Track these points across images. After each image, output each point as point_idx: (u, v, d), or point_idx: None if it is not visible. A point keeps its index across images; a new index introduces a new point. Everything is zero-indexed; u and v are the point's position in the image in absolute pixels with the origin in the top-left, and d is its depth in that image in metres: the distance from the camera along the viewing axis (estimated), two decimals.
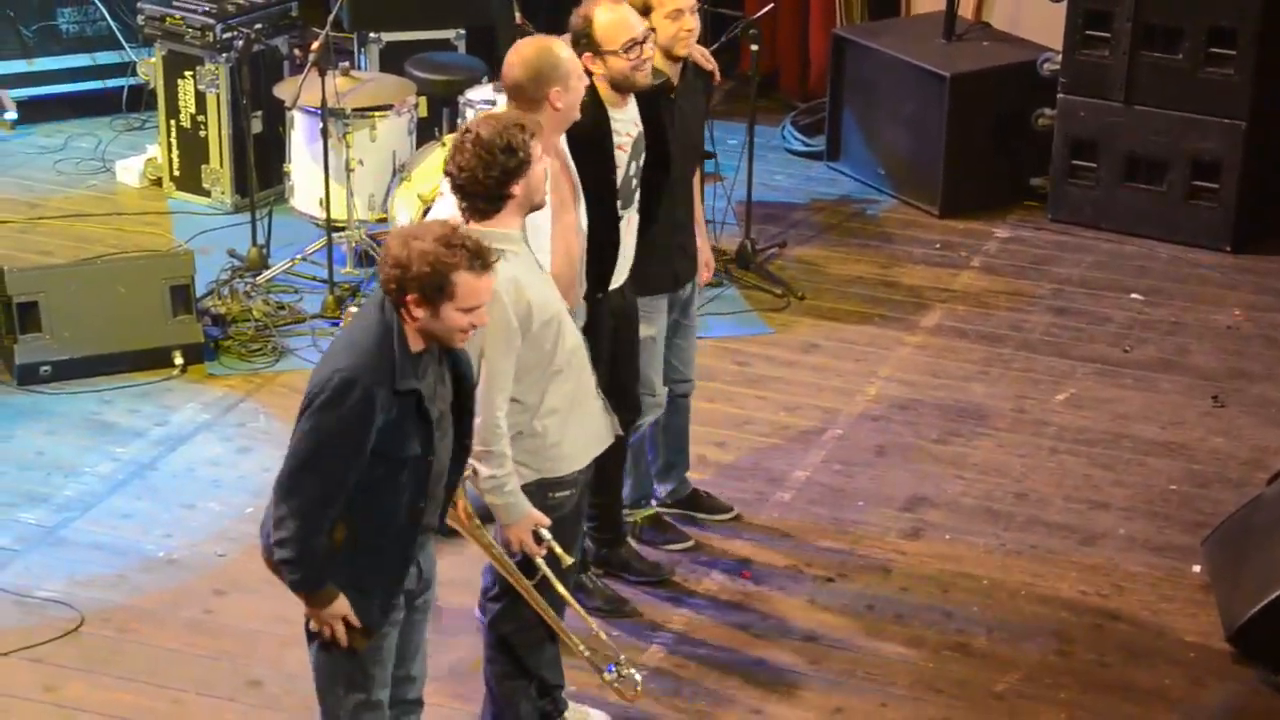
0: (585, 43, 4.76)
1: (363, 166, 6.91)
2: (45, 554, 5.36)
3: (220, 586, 5.22)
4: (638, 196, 4.91)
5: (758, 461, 5.95)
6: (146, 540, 5.45)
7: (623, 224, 4.85)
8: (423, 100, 7.33)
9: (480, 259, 3.66)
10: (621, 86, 4.79)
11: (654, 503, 5.49)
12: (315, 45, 6.58)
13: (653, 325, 5.10)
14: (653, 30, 4.88)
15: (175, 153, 7.72)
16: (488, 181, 4.03)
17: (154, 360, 6.38)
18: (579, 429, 4.33)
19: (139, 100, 8.29)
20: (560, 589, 4.31)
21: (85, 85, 8.43)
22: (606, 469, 5.11)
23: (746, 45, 7.15)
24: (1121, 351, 6.75)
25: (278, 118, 7.28)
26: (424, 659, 4.13)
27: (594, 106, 4.63)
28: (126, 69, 8.31)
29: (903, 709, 4.81)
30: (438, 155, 6.76)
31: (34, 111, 8.30)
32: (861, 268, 7.40)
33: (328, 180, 6.74)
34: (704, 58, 5.28)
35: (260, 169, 7.22)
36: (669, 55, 5.02)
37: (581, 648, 4.45)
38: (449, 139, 6.82)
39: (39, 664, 4.87)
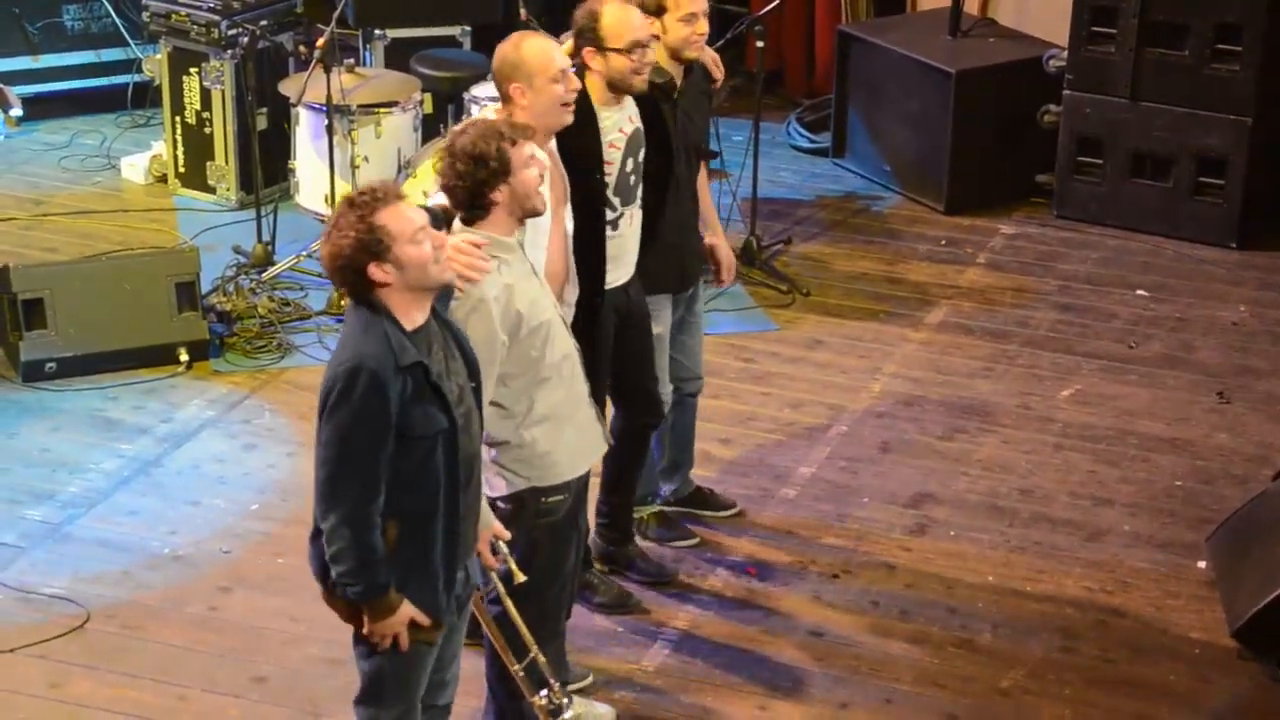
0: (589, 37, 4.75)
1: (368, 163, 6.91)
2: (50, 551, 5.36)
3: (225, 583, 5.23)
4: (639, 193, 4.90)
5: (762, 458, 5.95)
6: (152, 537, 5.45)
7: (624, 220, 4.84)
8: (428, 97, 7.34)
9: (385, 193, 3.66)
10: (618, 87, 4.78)
11: (658, 500, 5.49)
12: (320, 42, 6.59)
13: (659, 323, 5.10)
14: (657, 36, 4.88)
15: (180, 149, 7.73)
16: (464, 189, 4.05)
17: (159, 357, 6.38)
18: (570, 438, 4.30)
19: (144, 97, 8.30)
20: (507, 603, 4.25)
21: (90, 82, 8.44)
22: (626, 470, 5.11)
23: (752, 42, 7.16)
24: (1127, 348, 6.75)
25: (283, 114, 7.28)
26: (459, 664, 4.11)
27: (581, 104, 4.61)
28: (132, 66, 8.32)
29: (907, 705, 4.81)
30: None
31: (39, 108, 8.30)
32: (866, 264, 7.40)
33: (333, 177, 6.74)
34: (715, 64, 5.28)
35: (265, 165, 7.22)
36: (677, 57, 5.02)
37: (516, 668, 4.32)
38: None
39: (44, 660, 4.87)
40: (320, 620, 4.98)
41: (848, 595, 5.26)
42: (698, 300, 5.33)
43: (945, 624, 5.14)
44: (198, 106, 7.62)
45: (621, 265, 4.87)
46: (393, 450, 3.67)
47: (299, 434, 5.92)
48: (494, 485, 4.24)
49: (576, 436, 4.32)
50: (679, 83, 5.05)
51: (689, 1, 4.94)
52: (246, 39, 7.21)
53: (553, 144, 4.58)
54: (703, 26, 4.99)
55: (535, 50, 4.45)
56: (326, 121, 6.68)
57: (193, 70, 7.58)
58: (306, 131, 6.98)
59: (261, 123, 7.39)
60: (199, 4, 7.50)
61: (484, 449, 4.12)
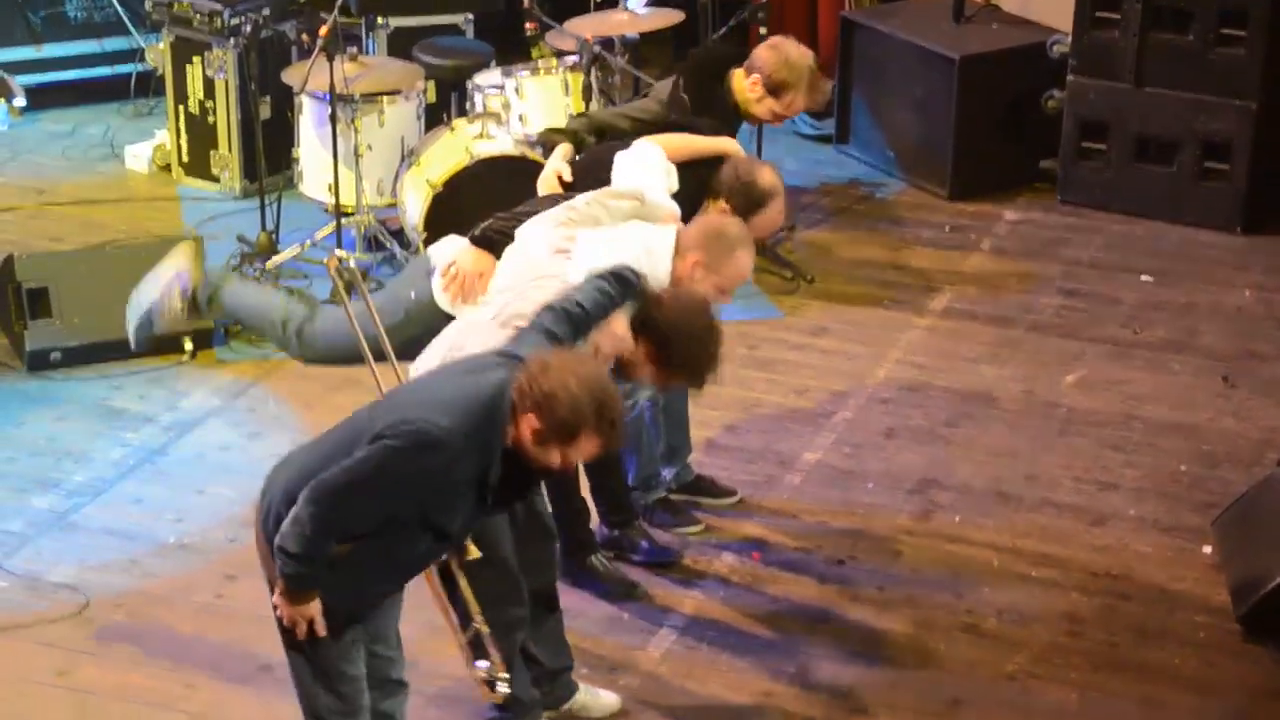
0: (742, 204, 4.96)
1: (371, 152, 6.91)
2: (56, 539, 5.37)
3: (231, 571, 5.23)
4: None
5: (767, 444, 5.95)
6: (157, 525, 5.46)
7: None
8: (431, 85, 7.33)
9: (616, 435, 3.62)
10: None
11: (661, 486, 5.49)
12: (323, 30, 6.58)
13: None
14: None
15: (184, 139, 7.73)
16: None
17: (164, 346, 6.38)
18: None
19: (147, 86, 8.30)
20: (458, 575, 4.21)
21: (93, 72, 8.44)
22: None
23: (755, 29, 7.13)
24: (1132, 333, 6.74)
25: (286, 103, 7.28)
26: (399, 639, 4.08)
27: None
28: (134, 55, 8.32)
29: (913, 690, 4.81)
30: (446, 140, 6.76)
31: (42, 98, 8.30)
32: (871, 251, 7.40)
33: (336, 165, 6.74)
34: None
35: (269, 155, 7.22)
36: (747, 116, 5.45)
37: (461, 638, 4.26)
38: (457, 124, 6.84)
39: (51, 648, 4.88)
40: None
41: (853, 581, 5.26)
42: None
43: (950, 609, 5.14)
44: (201, 95, 7.62)
45: None
46: (396, 515, 3.65)
47: (304, 422, 5.92)
48: None
49: None
50: None
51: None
52: (249, 28, 7.20)
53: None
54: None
55: (741, 262, 4.57)
56: (330, 110, 6.67)
57: (195, 59, 7.58)
58: (310, 120, 6.98)
59: (265, 112, 7.38)
60: None
61: None
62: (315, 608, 3.75)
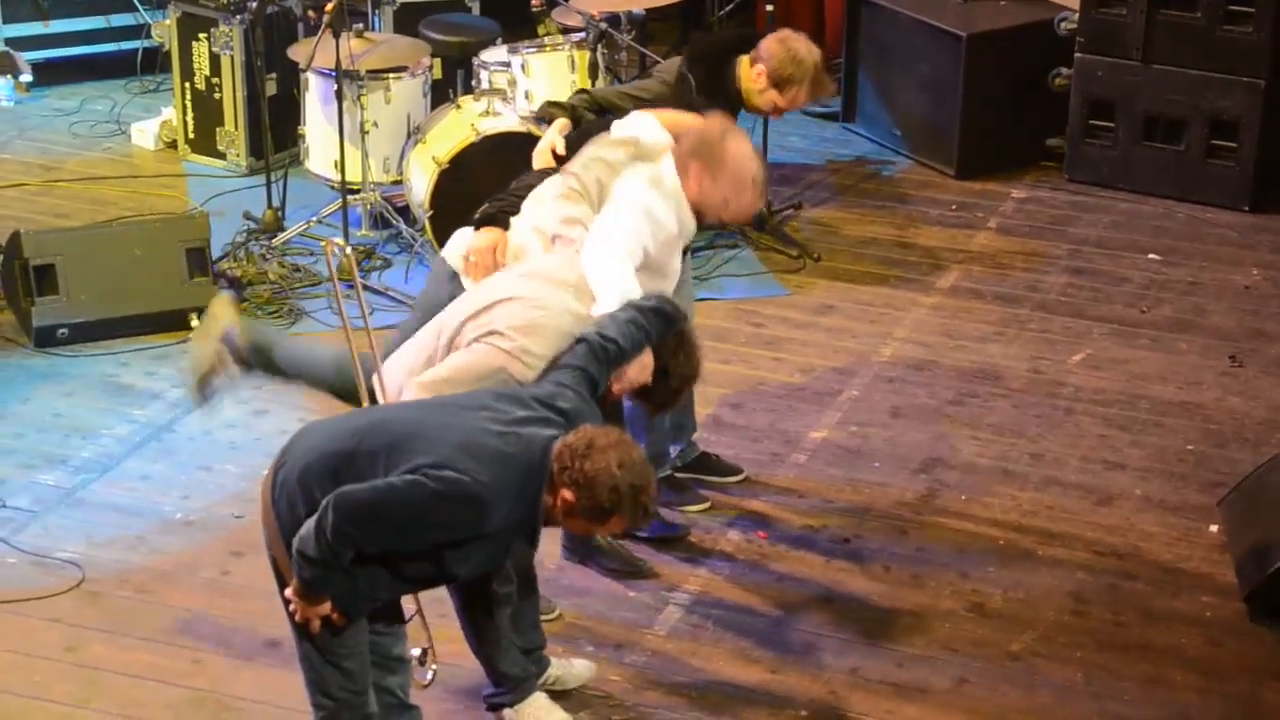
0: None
1: (377, 129, 6.90)
2: (63, 516, 5.38)
3: (237, 548, 5.24)
4: None
5: (773, 423, 5.95)
6: (164, 502, 5.47)
7: None
8: (437, 62, 7.32)
9: (645, 519, 3.70)
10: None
11: (667, 464, 5.49)
12: (329, 7, 6.56)
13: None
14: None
15: (190, 115, 7.72)
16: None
17: (170, 323, 6.39)
18: None
19: (154, 63, 8.29)
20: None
21: (100, 48, 8.43)
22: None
23: (762, 6, 7.12)
24: (1139, 312, 6.74)
25: (292, 80, 7.27)
26: (400, 614, 4.09)
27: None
28: (141, 31, 8.31)
29: (918, 669, 4.82)
30: (452, 117, 6.75)
31: (49, 74, 8.31)
32: (877, 229, 7.39)
33: (343, 142, 6.73)
34: None
35: (275, 131, 7.21)
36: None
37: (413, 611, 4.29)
38: (463, 101, 6.83)
39: (58, 624, 4.90)
40: None
41: (859, 559, 5.27)
42: (689, 257, 5.33)
43: (956, 588, 5.15)
44: (207, 72, 7.61)
45: None
46: (418, 550, 3.68)
47: (310, 399, 5.91)
48: None
49: None
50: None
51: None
52: (255, 4, 7.19)
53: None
54: None
55: (738, 155, 4.61)
56: (336, 87, 6.66)
57: (202, 35, 7.56)
58: (316, 97, 6.97)
59: (271, 88, 7.37)
60: None
61: None
62: (326, 609, 3.78)
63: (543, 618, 4.65)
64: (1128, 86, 7.60)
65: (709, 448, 5.66)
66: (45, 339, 6.29)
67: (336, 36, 6.54)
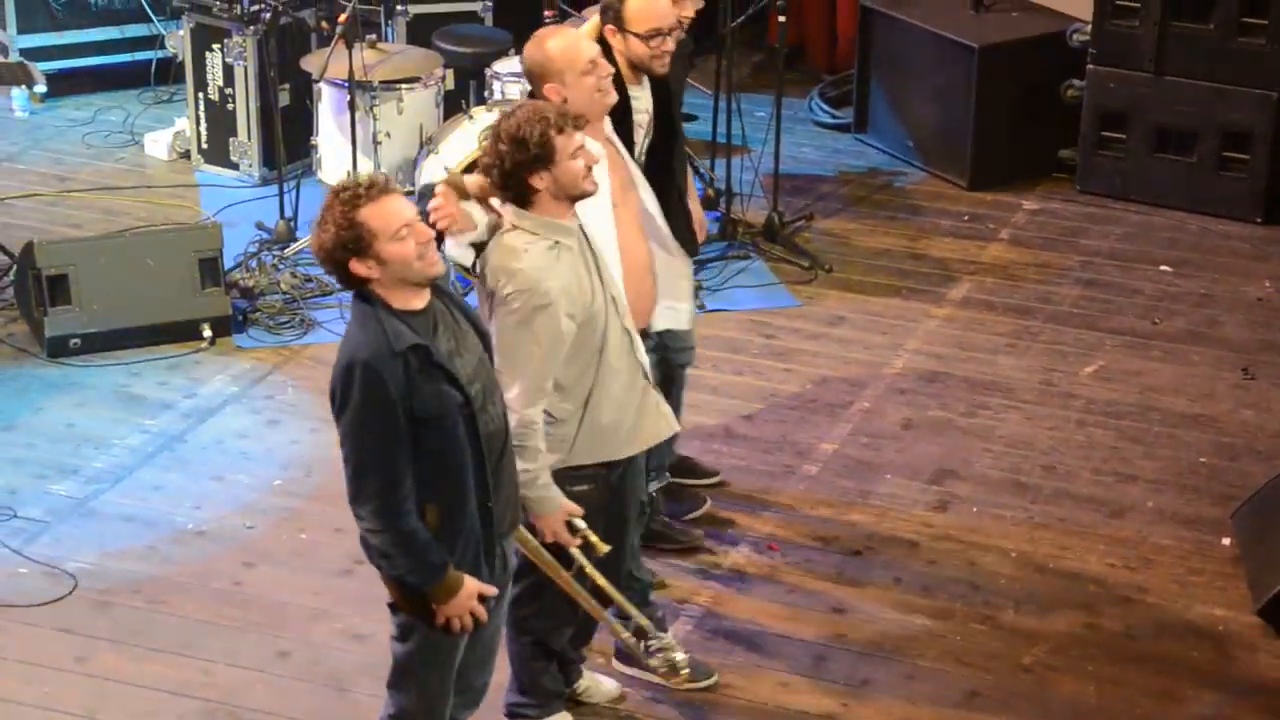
0: (612, 16, 4.75)
1: (390, 139, 6.91)
2: (75, 526, 5.39)
3: (249, 559, 5.25)
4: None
5: (784, 434, 5.95)
6: (176, 512, 5.47)
7: None
8: (450, 73, 7.33)
9: (369, 186, 3.64)
10: (638, 68, 4.79)
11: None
12: (342, 18, 6.59)
13: None
14: (681, 23, 4.87)
15: (203, 125, 7.74)
16: (501, 171, 4.03)
17: (182, 333, 6.40)
18: (608, 420, 4.24)
19: (167, 73, 8.32)
20: (596, 578, 4.29)
21: (114, 58, 8.46)
22: None
23: (774, 17, 7.12)
24: (1150, 324, 6.72)
25: (305, 90, 7.29)
26: (498, 643, 4.11)
27: (616, 83, 4.60)
28: (155, 42, 8.33)
29: (930, 682, 4.81)
30: (465, 128, 6.76)
31: (63, 84, 8.33)
32: (889, 240, 7.38)
33: (355, 153, 6.74)
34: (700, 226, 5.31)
35: (288, 142, 7.22)
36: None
37: (625, 635, 4.49)
38: (476, 112, 6.84)
39: (70, 634, 4.90)
40: (343, 595, 5.03)
41: (870, 572, 5.26)
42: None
43: (968, 600, 5.14)
44: (220, 82, 7.63)
45: None
46: (413, 435, 3.65)
47: (322, 409, 5.91)
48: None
49: (619, 416, 4.26)
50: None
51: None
52: (269, 15, 7.21)
53: (610, 127, 4.58)
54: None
55: (561, 46, 4.46)
56: (348, 97, 6.68)
57: (215, 46, 7.59)
58: (329, 107, 6.98)
59: (284, 99, 7.39)
60: None
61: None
62: (473, 585, 3.76)
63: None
64: (1140, 98, 7.59)
65: (720, 459, 5.66)
66: (58, 349, 6.30)
67: (350, 47, 6.56)
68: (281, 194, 7.06)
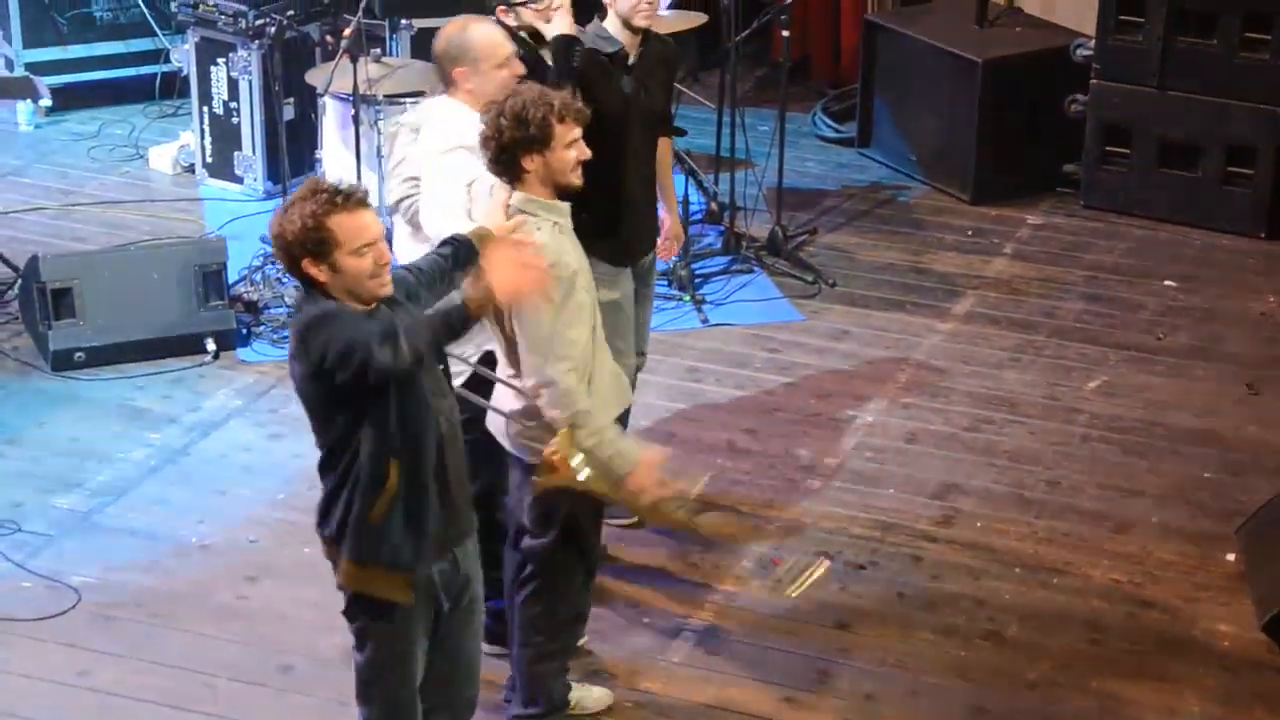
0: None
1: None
2: (79, 540, 5.39)
3: (252, 572, 5.24)
4: None
5: (788, 449, 5.94)
6: (179, 526, 5.47)
7: None
8: None
9: (347, 196, 3.64)
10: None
11: None
12: (347, 32, 6.59)
13: (615, 289, 5.02)
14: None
15: (208, 139, 7.75)
16: (498, 145, 4.08)
17: (187, 346, 6.41)
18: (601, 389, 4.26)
19: (172, 87, 8.33)
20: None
21: (119, 72, 8.48)
22: None
23: (778, 31, 7.12)
24: (1155, 339, 6.72)
25: (310, 104, 7.30)
26: (479, 654, 4.08)
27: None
28: (160, 56, 8.35)
29: (934, 697, 4.80)
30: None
31: (68, 98, 8.35)
32: (893, 254, 7.38)
33: (359, 167, 6.74)
34: (675, 239, 5.38)
35: (292, 156, 7.23)
36: (629, 26, 5.04)
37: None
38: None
39: (73, 648, 4.90)
40: None
41: (874, 586, 5.25)
42: (651, 274, 5.30)
43: (972, 616, 5.13)
44: (225, 96, 7.64)
45: None
46: (379, 390, 3.65)
47: None
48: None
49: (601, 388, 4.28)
50: (631, 52, 5.05)
51: None
52: (274, 29, 7.22)
53: None
54: None
55: (484, 34, 4.50)
56: (353, 112, 6.68)
57: (220, 60, 7.60)
58: (333, 121, 6.99)
59: (288, 113, 7.40)
60: None
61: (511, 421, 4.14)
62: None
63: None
64: (1144, 113, 7.60)
65: (724, 474, 5.65)
66: (62, 362, 6.30)
67: (354, 61, 6.56)
68: None
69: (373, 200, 6.78)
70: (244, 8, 7.45)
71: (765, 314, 6.85)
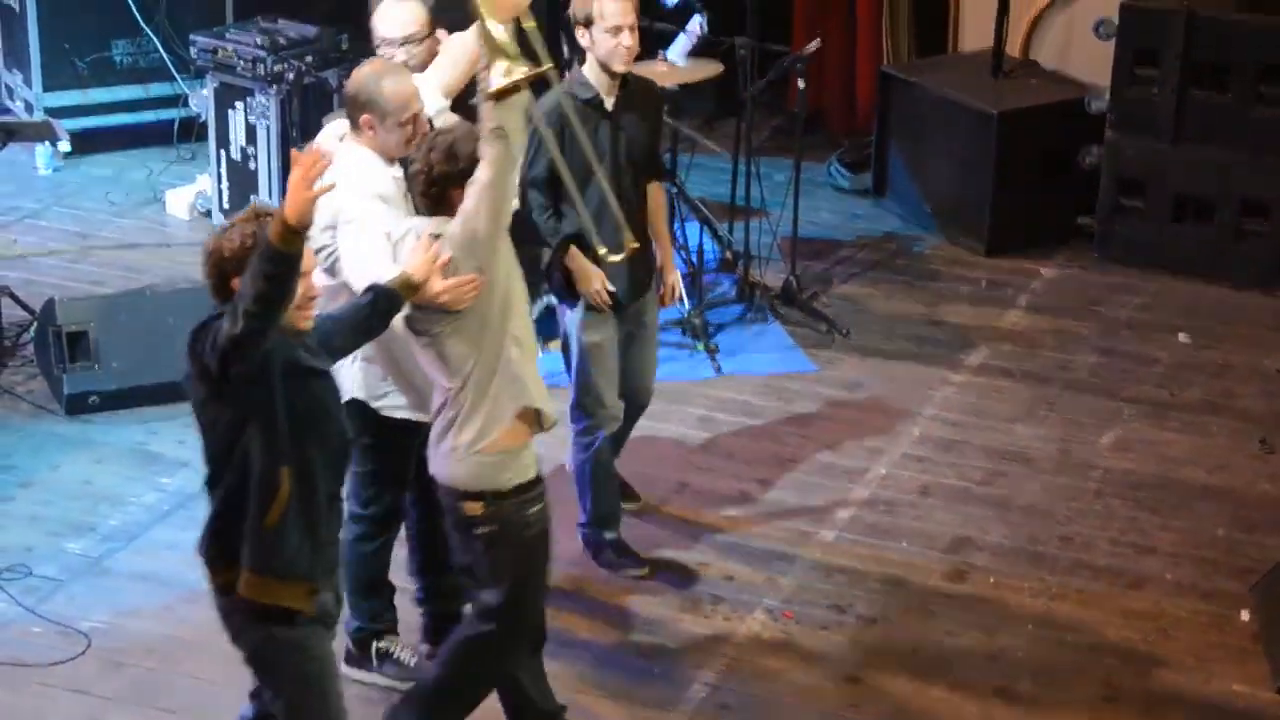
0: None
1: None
2: (90, 585, 5.38)
3: None
4: None
5: (801, 500, 5.93)
6: (191, 571, 5.42)
7: None
8: None
9: (256, 216, 3.73)
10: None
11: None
12: None
13: (598, 333, 5.11)
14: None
15: (225, 184, 7.79)
16: (429, 179, 4.19)
17: None
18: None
19: (190, 131, 8.37)
20: None
21: (138, 117, 8.53)
22: None
23: (794, 81, 7.15)
24: (1169, 394, 6.70)
25: None
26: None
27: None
28: (179, 101, 8.40)
29: None
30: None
31: (87, 142, 8.39)
32: (907, 306, 7.39)
33: None
34: (673, 290, 5.47)
35: None
36: (607, 71, 5.09)
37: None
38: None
39: (83, 695, 4.89)
40: None
41: (886, 640, 5.23)
42: (647, 314, 5.33)
43: (984, 671, 5.10)
44: (243, 141, 7.68)
45: None
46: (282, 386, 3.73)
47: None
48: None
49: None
50: (609, 97, 5.09)
51: (614, 14, 5.02)
52: (292, 75, 7.27)
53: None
54: (629, 40, 5.05)
55: (396, 88, 4.50)
56: None
57: (238, 105, 7.64)
58: None
59: None
60: (246, 40, 7.57)
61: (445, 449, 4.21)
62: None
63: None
64: (1158, 166, 7.60)
65: (736, 524, 5.64)
66: (76, 406, 6.32)
67: None
68: None
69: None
70: (263, 54, 7.50)
71: (779, 364, 6.85)
